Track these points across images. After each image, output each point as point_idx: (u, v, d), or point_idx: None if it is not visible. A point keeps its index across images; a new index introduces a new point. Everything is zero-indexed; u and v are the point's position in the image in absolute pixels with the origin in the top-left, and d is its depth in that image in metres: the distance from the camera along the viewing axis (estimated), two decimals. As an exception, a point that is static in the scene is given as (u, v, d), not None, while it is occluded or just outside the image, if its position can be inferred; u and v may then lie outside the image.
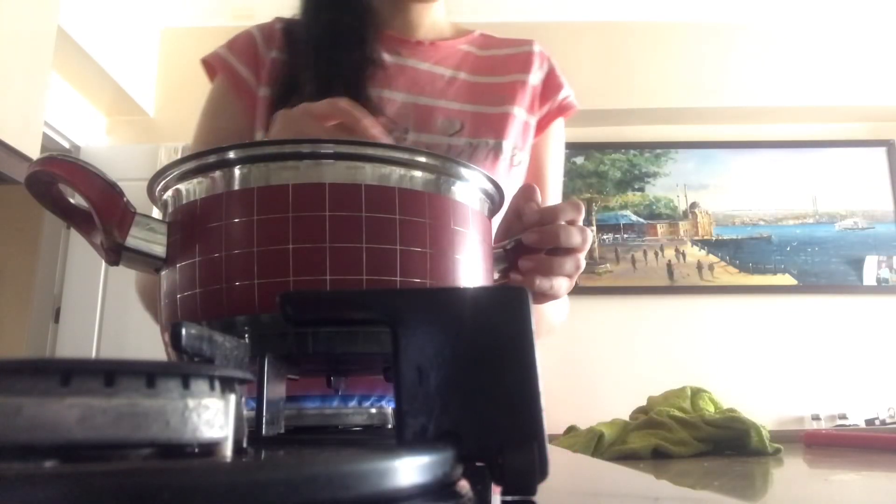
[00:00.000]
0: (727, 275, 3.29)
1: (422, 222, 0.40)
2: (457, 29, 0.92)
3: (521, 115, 0.84)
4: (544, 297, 0.56)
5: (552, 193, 0.89)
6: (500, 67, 0.87)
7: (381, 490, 0.18)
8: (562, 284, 0.56)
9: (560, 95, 0.88)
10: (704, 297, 3.26)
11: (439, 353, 0.27)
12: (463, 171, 0.43)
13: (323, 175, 0.40)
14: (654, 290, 3.26)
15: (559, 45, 3.32)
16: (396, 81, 0.82)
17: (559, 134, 0.91)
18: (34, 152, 2.11)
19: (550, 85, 0.88)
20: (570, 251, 0.55)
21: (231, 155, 0.40)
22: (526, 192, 0.58)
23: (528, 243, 0.53)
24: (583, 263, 0.57)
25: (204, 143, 0.82)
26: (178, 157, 0.41)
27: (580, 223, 0.56)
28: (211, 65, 0.86)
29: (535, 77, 0.88)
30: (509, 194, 0.65)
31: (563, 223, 0.54)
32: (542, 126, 0.88)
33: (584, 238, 0.55)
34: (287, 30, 0.84)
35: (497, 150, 0.81)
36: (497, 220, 0.57)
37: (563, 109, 0.89)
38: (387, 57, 0.82)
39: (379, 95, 0.80)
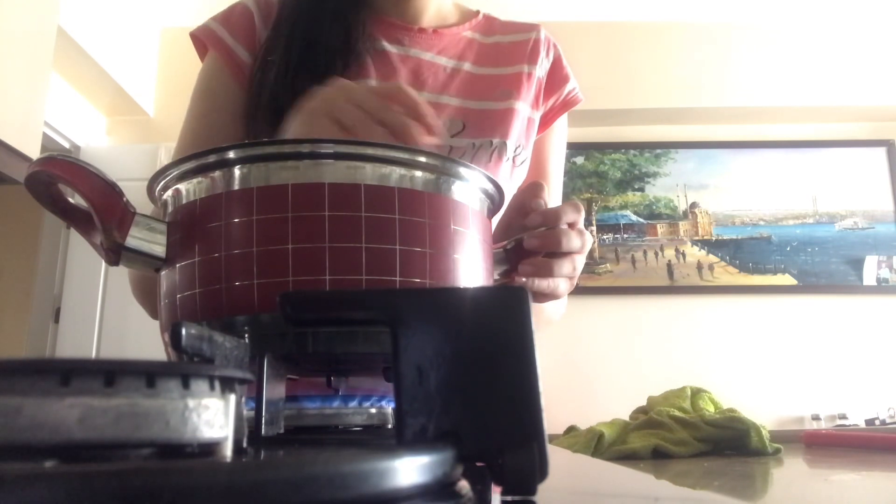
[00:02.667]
0: (727, 275, 3.29)
1: (421, 222, 0.40)
2: (461, 12, 0.85)
3: (524, 111, 0.80)
4: (545, 297, 0.56)
5: (554, 193, 0.85)
6: (504, 57, 0.82)
7: (381, 490, 0.18)
8: (560, 285, 0.56)
9: (566, 89, 0.84)
10: (704, 297, 3.26)
11: (439, 353, 0.27)
12: (463, 170, 0.43)
13: (322, 175, 0.39)
14: (654, 290, 3.26)
15: (559, 45, 3.35)
16: (398, 73, 0.77)
17: (562, 129, 0.87)
18: (34, 152, 2.11)
19: (556, 77, 0.84)
20: (569, 254, 0.55)
21: (231, 155, 0.40)
22: (532, 189, 0.58)
23: (529, 248, 0.53)
24: (580, 265, 0.57)
25: (194, 131, 0.76)
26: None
27: (580, 224, 0.56)
28: (201, 40, 0.78)
29: (542, 68, 0.83)
30: (511, 194, 0.65)
31: (564, 227, 0.54)
32: (546, 122, 0.84)
33: (583, 242, 0.55)
34: (281, 5, 0.76)
35: (501, 150, 0.77)
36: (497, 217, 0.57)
37: (568, 104, 0.85)
38: (388, 46, 0.78)
39: None
